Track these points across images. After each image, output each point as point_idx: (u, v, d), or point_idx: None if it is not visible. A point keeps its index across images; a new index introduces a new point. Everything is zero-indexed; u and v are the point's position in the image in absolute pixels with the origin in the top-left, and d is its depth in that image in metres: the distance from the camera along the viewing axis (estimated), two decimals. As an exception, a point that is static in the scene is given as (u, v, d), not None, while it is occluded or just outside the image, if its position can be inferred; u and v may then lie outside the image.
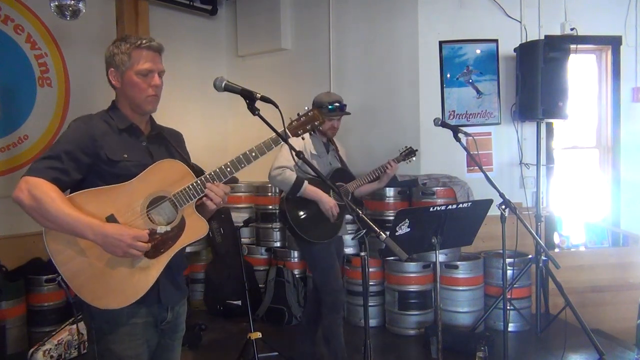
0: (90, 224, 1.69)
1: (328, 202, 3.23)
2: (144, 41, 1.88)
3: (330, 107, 3.37)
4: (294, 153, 1.91)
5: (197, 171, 1.94)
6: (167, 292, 1.90)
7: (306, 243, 3.30)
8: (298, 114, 2.04)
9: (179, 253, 1.87)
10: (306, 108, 2.05)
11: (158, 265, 1.80)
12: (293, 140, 3.18)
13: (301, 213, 3.28)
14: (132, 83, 1.87)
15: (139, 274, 1.78)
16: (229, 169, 1.90)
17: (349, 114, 3.54)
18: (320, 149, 3.44)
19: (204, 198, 1.87)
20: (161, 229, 1.80)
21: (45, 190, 1.68)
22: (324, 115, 3.35)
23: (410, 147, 3.74)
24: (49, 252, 1.73)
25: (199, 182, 1.85)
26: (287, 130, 1.96)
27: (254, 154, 1.92)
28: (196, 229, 1.87)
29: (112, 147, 1.83)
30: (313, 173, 3.25)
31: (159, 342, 1.96)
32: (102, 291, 1.75)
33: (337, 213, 3.28)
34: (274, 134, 1.91)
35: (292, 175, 3.18)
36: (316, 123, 2.02)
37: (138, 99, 1.89)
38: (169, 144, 2.00)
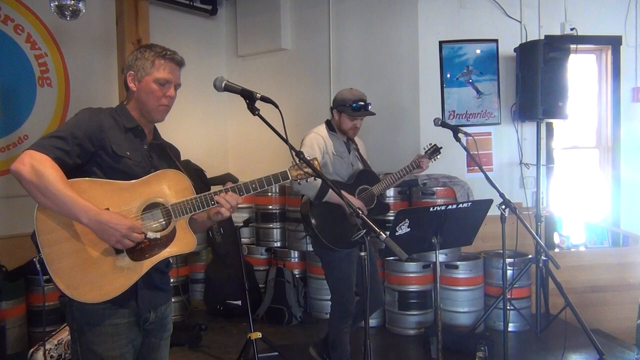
0: (87, 208, 1.68)
1: (354, 202, 3.09)
2: (168, 52, 1.94)
3: (354, 105, 3.20)
4: (293, 153, 1.91)
5: (197, 171, 1.96)
6: (145, 296, 1.89)
7: (327, 249, 3.17)
8: (300, 151, 2.00)
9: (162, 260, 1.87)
10: (308, 156, 2.02)
11: (140, 270, 1.80)
12: (312, 137, 3.14)
13: (326, 219, 3.14)
14: (149, 89, 1.91)
15: (120, 273, 1.78)
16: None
17: (373, 114, 3.33)
18: (341, 148, 3.31)
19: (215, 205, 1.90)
20: (151, 235, 1.80)
21: (47, 166, 1.67)
22: (348, 114, 3.20)
23: (435, 145, 3.53)
24: (36, 230, 1.71)
25: (197, 198, 1.87)
26: (288, 172, 1.99)
27: (253, 185, 1.95)
28: (185, 243, 1.88)
29: (117, 142, 1.85)
30: (332, 174, 3.22)
31: (145, 342, 1.96)
32: (79, 281, 1.74)
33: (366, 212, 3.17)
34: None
35: (317, 181, 2.96)
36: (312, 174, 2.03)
37: (150, 105, 1.92)
38: (169, 156, 2.04)
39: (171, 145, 2.13)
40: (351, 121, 3.26)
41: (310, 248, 4.22)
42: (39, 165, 1.66)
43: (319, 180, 2.98)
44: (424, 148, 3.58)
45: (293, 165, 2.00)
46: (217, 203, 1.90)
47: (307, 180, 2.02)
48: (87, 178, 1.77)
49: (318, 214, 3.15)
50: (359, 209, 1.89)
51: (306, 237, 3.31)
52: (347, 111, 3.22)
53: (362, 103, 3.23)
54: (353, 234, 3.15)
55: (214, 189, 1.95)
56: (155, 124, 2.05)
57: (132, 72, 1.93)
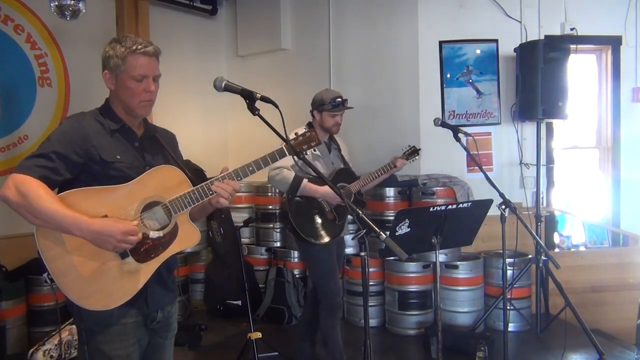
0: (77, 220, 1.67)
1: (327, 191, 3.18)
2: (139, 46, 1.84)
3: (333, 103, 3.34)
4: (294, 154, 1.91)
5: (197, 171, 1.94)
6: (155, 296, 1.90)
7: (307, 244, 3.26)
8: (296, 133, 2.04)
9: (169, 257, 1.86)
10: (304, 128, 2.07)
11: (147, 270, 1.80)
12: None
13: (304, 214, 3.25)
14: (126, 87, 1.85)
15: (128, 277, 1.77)
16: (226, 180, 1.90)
17: (352, 108, 3.50)
18: (321, 148, 3.39)
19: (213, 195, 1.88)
20: (153, 234, 1.79)
21: (32, 187, 1.66)
22: (329, 111, 3.32)
23: (414, 146, 3.71)
24: (39, 248, 1.71)
25: (195, 190, 1.85)
26: (284, 148, 1.96)
27: (250, 168, 1.92)
28: (188, 237, 1.87)
29: (105, 148, 1.82)
30: (314, 173, 3.26)
31: (150, 342, 1.96)
32: (89, 291, 1.74)
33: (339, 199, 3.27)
34: (274, 148, 1.93)
35: (290, 174, 3.15)
36: (313, 144, 2.04)
37: (132, 103, 1.87)
38: (162, 147, 2.00)
39: (163, 130, 2.09)
40: (333, 118, 3.39)
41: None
42: (22, 187, 1.66)
43: (292, 174, 3.14)
44: (403, 149, 3.70)
45: (289, 142, 1.95)
46: (215, 192, 1.87)
47: (306, 154, 1.99)
48: (78, 189, 1.75)
49: (296, 210, 3.24)
50: (359, 208, 1.89)
51: (286, 232, 3.38)
52: (327, 109, 3.35)
53: (340, 99, 3.38)
54: (330, 228, 3.27)
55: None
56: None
57: (107, 72, 1.88)
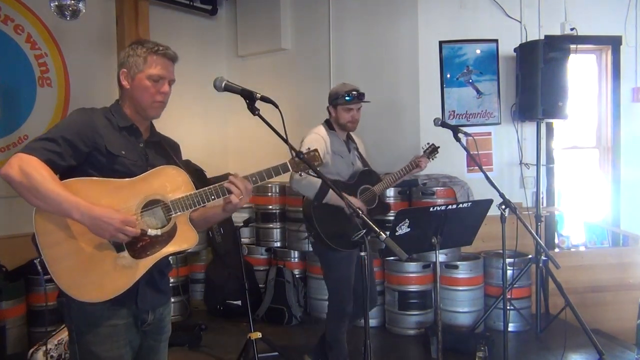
0: (78, 204, 1.66)
1: (355, 203, 3.03)
2: (160, 48, 1.92)
3: (347, 97, 3.18)
4: (294, 154, 1.91)
5: (197, 171, 1.95)
6: (146, 296, 1.89)
7: (328, 249, 3.14)
8: (300, 151, 2.03)
9: (164, 257, 1.86)
10: (308, 147, 2.07)
11: (141, 268, 1.79)
12: (312, 138, 3.14)
13: (329, 220, 3.11)
14: (142, 86, 1.89)
15: (121, 272, 1.77)
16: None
17: (368, 102, 3.32)
18: (341, 147, 3.29)
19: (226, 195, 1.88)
20: (152, 232, 1.79)
21: (36, 168, 1.66)
22: (343, 105, 3.19)
23: (433, 144, 3.55)
24: (36, 232, 1.70)
25: (197, 194, 1.86)
26: (288, 164, 1.97)
27: (254, 178, 1.93)
28: (186, 239, 1.87)
29: (112, 142, 1.84)
30: (333, 174, 3.21)
31: (143, 344, 1.95)
32: (81, 281, 1.73)
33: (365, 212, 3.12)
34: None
35: (317, 180, 2.96)
36: (315, 163, 2.04)
37: (145, 102, 1.90)
38: (167, 152, 2.02)
39: (169, 139, 2.11)
40: (348, 113, 3.25)
41: (310, 248, 4.24)
42: (27, 167, 1.65)
43: (319, 180, 2.95)
44: (422, 148, 3.62)
45: (293, 157, 1.97)
46: (216, 196, 1.86)
47: (308, 173, 2.00)
48: (81, 178, 1.75)
49: (321, 214, 3.12)
50: (359, 209, 1.89)
51: (308, 237, 3.27)
52: (342, 103, 3.22)
53: (355, 93, 3.22)
54: (355, 234, 3.21)
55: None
56: (153, 121, 2.04)
57: (124, 70, 1.91)
